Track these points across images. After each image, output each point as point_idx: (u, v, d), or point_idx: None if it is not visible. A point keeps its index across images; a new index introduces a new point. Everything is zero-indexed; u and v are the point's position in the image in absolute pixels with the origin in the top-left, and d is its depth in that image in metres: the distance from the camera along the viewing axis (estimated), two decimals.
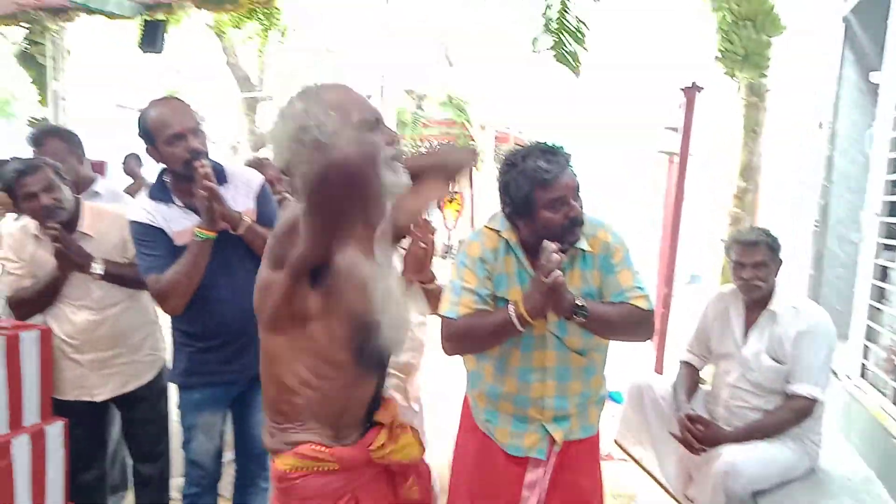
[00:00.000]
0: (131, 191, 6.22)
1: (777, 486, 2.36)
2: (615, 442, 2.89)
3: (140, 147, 2.09)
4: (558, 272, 1.61)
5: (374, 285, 1.18)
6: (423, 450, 1.38)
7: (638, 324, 1.79)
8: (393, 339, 1.22)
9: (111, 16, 5.48)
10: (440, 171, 1.52)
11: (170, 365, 2.26)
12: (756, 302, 2.48)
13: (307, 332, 1.21)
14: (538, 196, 1.71)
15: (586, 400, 1.88)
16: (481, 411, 1.93)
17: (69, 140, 2.69)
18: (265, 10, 5.66)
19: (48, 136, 2.65)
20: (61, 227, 2.15)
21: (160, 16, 5.53)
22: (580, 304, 1.69)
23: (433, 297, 2.11)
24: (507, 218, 1.82)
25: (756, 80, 3.58)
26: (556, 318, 1.76)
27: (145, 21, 5.58)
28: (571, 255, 1.79)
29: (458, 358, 1.98)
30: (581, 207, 1.74)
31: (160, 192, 2.08)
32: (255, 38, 6.32)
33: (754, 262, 2.42)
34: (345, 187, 1.09)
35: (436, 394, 2.78)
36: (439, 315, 1.84)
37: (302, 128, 1.12)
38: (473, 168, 1.58)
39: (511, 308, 1.69)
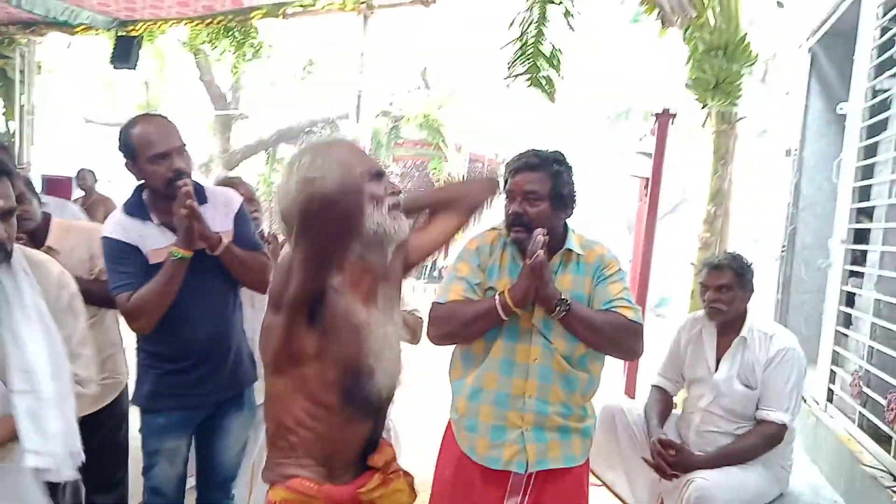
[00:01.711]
0: (85, 204, 6.11)
1: None
2: None
3: (110, 162, 2.05)
4: (541, 252, 1.69)
5: (368, 331, 1.26)
6: (415, 497, 1.42)
7: (623, 332, 1.82)
8: (387, 384, 1.29)
9: (83, 29, 5.41)
10: (458, 204, 1.60)
11: (132, 388, 2.19)
12: (728, 327, 2.49)
13: (302, 372, 1.26)
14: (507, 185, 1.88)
15: (569, 416, 1.86)
16: (462, 422, 1.91)
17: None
18: (241, 28, 5.64)
19: None
20: (28, 239, 2.09)
21: (134, 31, 5.47)
22: (563, 297, 1.77)
23: (412, 328, 2.11)
24: None
25: (727, 108, 3.64)
26: (541, 313, 1.81)
27: (118, 36, 5.52)
28: (565, 259, 1.89)
29: (443, 383, 1.97)
30: (531, 213, 1.81)
31: (137, 209, 2.04)
32: (229, 55, 6.27)
33: (718, 284, 2.45)
34: (325, 217, 1.12)
35: (416, 425, 2.76)
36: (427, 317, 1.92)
37: (306, 180, 1.17)
38: (493, 199, 1.66)
39: (497, 296, 1.78)
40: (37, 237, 2.18)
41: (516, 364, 1.84)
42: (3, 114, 6.00)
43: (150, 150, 1.94)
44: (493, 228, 1.96)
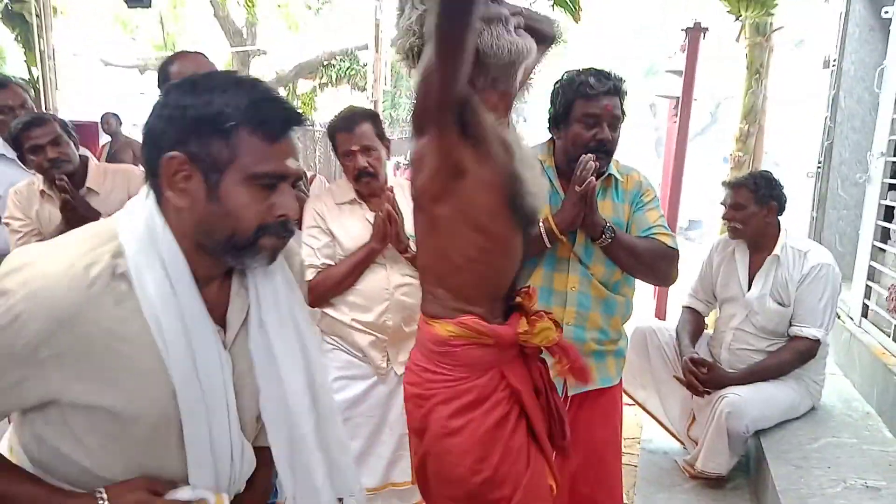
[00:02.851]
0: (113, 148, 6.12)
1: (778, 424, 2.41)
2: None
3: (132, 104, 2.06)
4: (592, 179, 1.66)
5: (513, 144, 1.24)
6: (560, 331, 1.41)
7: (662, 259, 1.83)
8: (538, 199, 1.29)
9: None
10: (541, 34, 1.46)
11: None
12: (760, 245, 2.47)
13: (464, 193, 1.24)
14: (576, 106, 1.75)
15: (605, 340, 1.88)
16: None
17: None
18: None
19: None
20: (67, 181, 2.14)
21: None
22: (608, 224, 1.75)
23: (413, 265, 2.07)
24: (549, 130, 1.86)
25: (761, 19, 3.48)
26: (582, 240, 1.80)
27: None
28: (605, 185, 1.85)
29: None
30: (615, 140, 1.77)
31: None
32: None
33: (732, 202, 2.45)
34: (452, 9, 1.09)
35: None
36: None
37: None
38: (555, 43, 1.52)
39: (541, 223, 1.74)
40: (76, 180, 2.23)
41: (554, 293, 1.84)
42: (25, 60, 5.98)
43: None
44: None
